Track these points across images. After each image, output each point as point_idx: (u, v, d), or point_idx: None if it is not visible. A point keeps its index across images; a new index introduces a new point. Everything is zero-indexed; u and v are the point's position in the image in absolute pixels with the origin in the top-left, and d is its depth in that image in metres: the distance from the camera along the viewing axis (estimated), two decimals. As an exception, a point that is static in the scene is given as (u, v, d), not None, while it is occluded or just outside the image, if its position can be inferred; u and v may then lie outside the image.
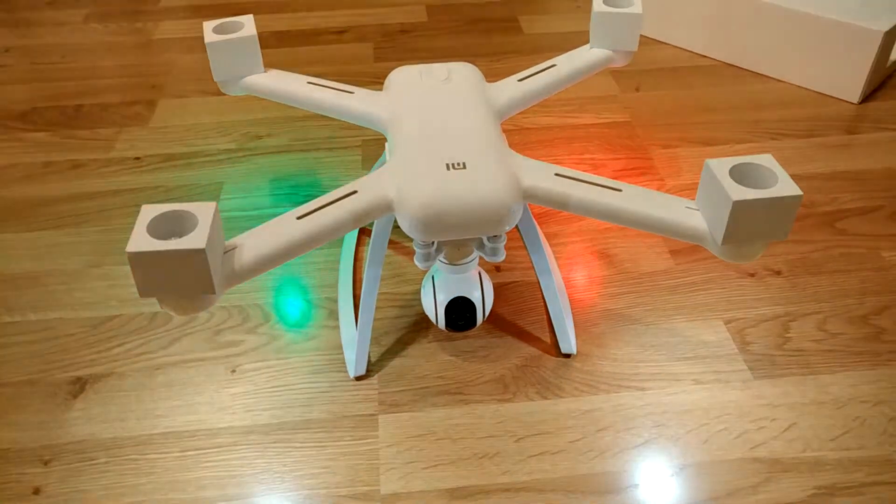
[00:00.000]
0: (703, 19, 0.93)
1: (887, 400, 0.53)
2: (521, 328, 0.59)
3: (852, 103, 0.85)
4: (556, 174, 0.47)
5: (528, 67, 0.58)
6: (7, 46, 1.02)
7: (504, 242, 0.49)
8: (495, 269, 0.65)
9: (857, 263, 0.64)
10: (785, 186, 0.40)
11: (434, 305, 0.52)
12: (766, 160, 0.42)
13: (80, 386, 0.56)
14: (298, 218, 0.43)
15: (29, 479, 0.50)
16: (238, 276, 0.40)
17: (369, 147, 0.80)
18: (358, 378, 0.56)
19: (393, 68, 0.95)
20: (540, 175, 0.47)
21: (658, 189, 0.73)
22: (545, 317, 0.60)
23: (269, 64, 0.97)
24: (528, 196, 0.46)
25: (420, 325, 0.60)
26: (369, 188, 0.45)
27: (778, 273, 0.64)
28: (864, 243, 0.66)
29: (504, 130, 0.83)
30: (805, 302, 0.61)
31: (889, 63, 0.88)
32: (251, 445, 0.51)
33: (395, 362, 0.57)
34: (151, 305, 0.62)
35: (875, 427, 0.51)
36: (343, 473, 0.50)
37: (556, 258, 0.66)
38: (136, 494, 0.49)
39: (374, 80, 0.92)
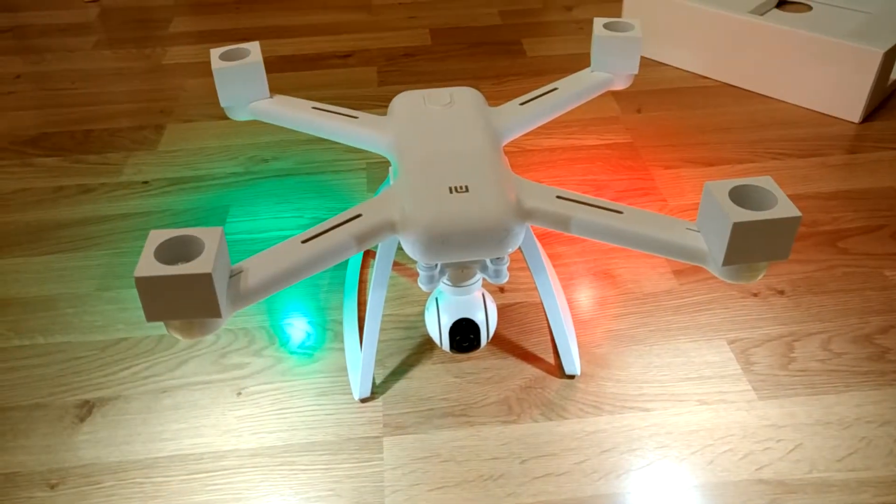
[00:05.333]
0: (703, 41, 0.94)
1: (893, 420, 0.53)
2: (525, 349, 0.60)
3: (853, 123, 0.86)
4: (558, 196, 0.47)
5: (531, 90, 0.59)
6: (18, 73, 1.04)
7: (507, 264, 0.50)
8: (499, 291, 0.66)
9: (860, 283, 0.65)
10: (784, 208, 0.40)
11: (438, 327, 0.53)
12: (765, 182, 0.42)
13: (87, 409, 0.56)
14: (303, 242, 0.44)
15: (36, 502, 0.50)
16: (244, 299, 0.41)
17: (374, 170, 0.81)
18: (363, 400, 0.56)
19: (397, 92, 0.96)
20: (542, 197, 0.47)
21: (661, 209, 0.74)
22: (549, 338, 0.61)
23: (275, 87, 0.98)
24: (531, 218, 0.47)
25: (424, 347, 0.60)
26: (373, 212, 0.46)
27: (781, 293, 0.64)
28: (866, 262, 0.67)
29: (507, 152, 0.84)
30: (809, 322, 0.61)
31: (889, 83, 0.88)
32: (257, 468, 0.52)
33: (400, 384, 0.57)
34: (158, 328, 0.62)
35: (881, 447, 0.51)
36: (348, 496, 0.50)
37: (560, 279, 0.66)
38: (142, 518, 0.49)
39: (379, 104, 0.93)
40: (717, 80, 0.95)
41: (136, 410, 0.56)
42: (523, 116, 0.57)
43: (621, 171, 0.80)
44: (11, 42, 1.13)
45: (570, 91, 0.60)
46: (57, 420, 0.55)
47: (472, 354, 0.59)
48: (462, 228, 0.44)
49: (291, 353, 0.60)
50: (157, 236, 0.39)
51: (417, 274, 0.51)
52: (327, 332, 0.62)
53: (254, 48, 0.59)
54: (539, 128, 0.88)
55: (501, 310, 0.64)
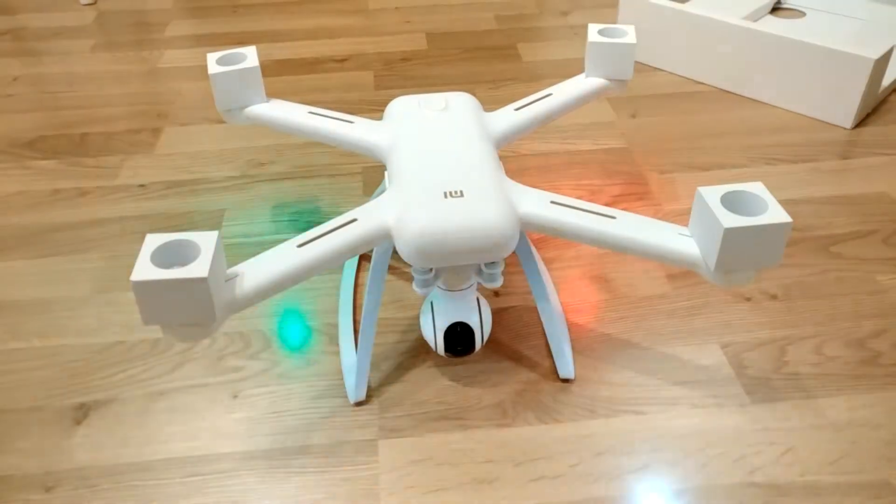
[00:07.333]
0: (698, 46, 0.95)
1: (885, 423, 0.54)
2: (519, 353, 0.60)
3: (845, 129, 0.87)
4: (552, 202, 0.48)
5: (526, 94, 0.59)
6: (15, 76, 1.04)
7: (502, 269, 0.50)
8: (494, 294, 0.66)
9: (852, 287, 0.65)
10: (775, 214, 0.41)
11: (433, 331, 0.53)
12: (756, 188, 0.43)
13: (83, 412, 0.56)
14: (299, 246, 0.44)
15: (31, 505, 0.50)
16: (239, 303, 0.41)
17: (370, 174, 0.82)
18: (358, 403, 0.56)
19: (393, 96, 0.97)
20: (536, 203, 0.47)
21: (655, 214, 0.74)
22: (544, 342, 0.61)
23: (272, 91, 0.98)
24: (525, 223, 0.47)
25: (419, 351, 0.60)
26: (368, 216, 0.46)
27: (774, 297, 0.64)
28: (858, 267, 0.67)
29: (502, 157, 0.84)
30: (801, 326, 0.62)
31: (881, 90, 0.89)
32: (252, 471, 0.52)
33: (395, 387, 0.57)
34: (154, 331, 0.63)
35: (873, 451, 0.52)
36: (343, 499, 0.50)
37: (555, 283, 0.67)
38: (138, 520, 0.49)
39: (375, 108, 0.94)
40: (711, 86, 0.96)
41: (131, 413, 0.56)
42: (518, 122, 0.57)
43: (616, 176, 0.80)
44: (9, 44, 1.14)
45: (565, 97, 0.60)
46: (53, 423, 0.55)
47: (466, 358, 0.60)
48: (456, 233, 0.45)
49: (287, 356, 0.60)
50: (154, 240, 0.39)
51: (412, 278, 0.51)
52: (323, 335, 0.62)
53: (250, 53, 0.59)
54: (534, 132, 0.88)
55: (496, 313, 0.64)
